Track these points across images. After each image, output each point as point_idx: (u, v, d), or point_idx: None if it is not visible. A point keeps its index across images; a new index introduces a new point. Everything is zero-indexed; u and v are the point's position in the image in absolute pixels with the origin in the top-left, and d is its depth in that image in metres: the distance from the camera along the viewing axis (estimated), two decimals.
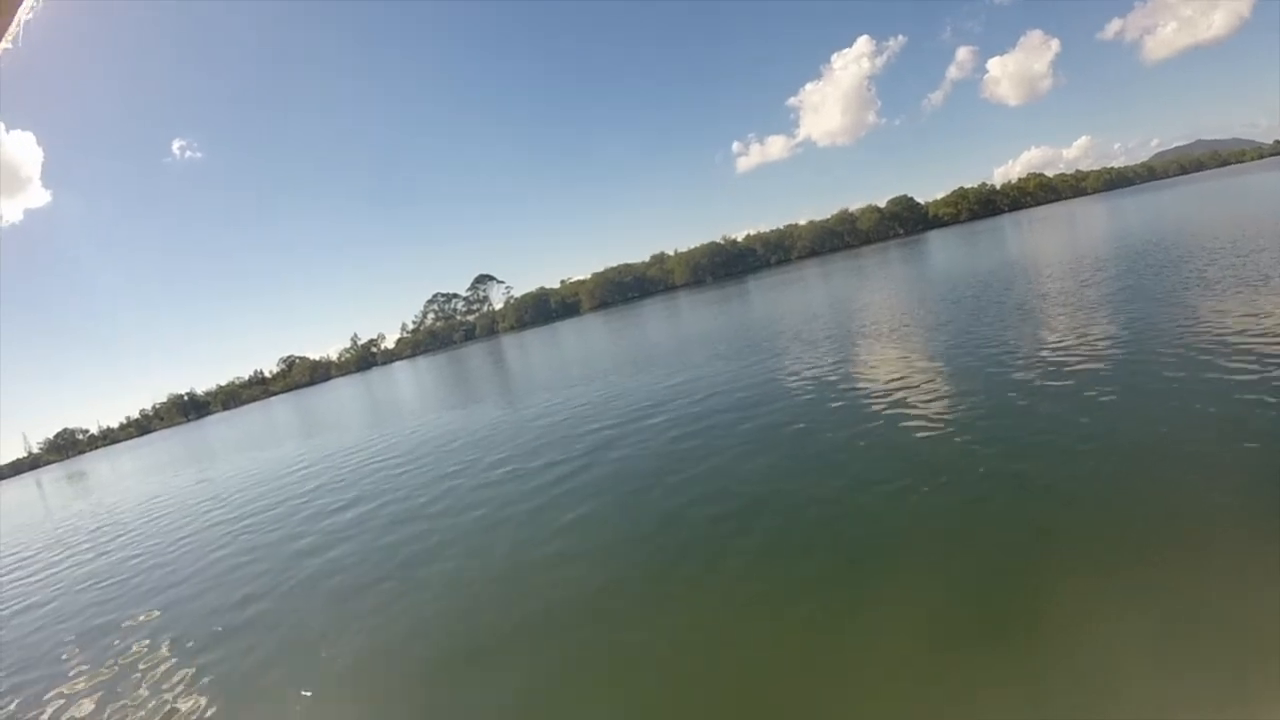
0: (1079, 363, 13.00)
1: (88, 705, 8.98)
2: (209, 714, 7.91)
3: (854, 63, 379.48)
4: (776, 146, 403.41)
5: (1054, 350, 14.43)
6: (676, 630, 7.24)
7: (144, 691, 8.92)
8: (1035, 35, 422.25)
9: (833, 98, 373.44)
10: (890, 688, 5.56)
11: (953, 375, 14.40)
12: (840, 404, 14.19)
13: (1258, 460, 7.61)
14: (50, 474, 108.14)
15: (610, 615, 7.95)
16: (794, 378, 17.99)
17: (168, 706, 8.31)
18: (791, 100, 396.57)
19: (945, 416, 11.69)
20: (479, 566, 10.47)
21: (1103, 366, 12.40)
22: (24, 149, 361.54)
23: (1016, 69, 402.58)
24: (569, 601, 8.49)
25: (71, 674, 10.27)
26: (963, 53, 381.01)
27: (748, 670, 6.27)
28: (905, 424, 11.83)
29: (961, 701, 5.18)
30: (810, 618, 6.81)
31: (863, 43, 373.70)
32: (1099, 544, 6.76)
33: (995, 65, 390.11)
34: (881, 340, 20.70)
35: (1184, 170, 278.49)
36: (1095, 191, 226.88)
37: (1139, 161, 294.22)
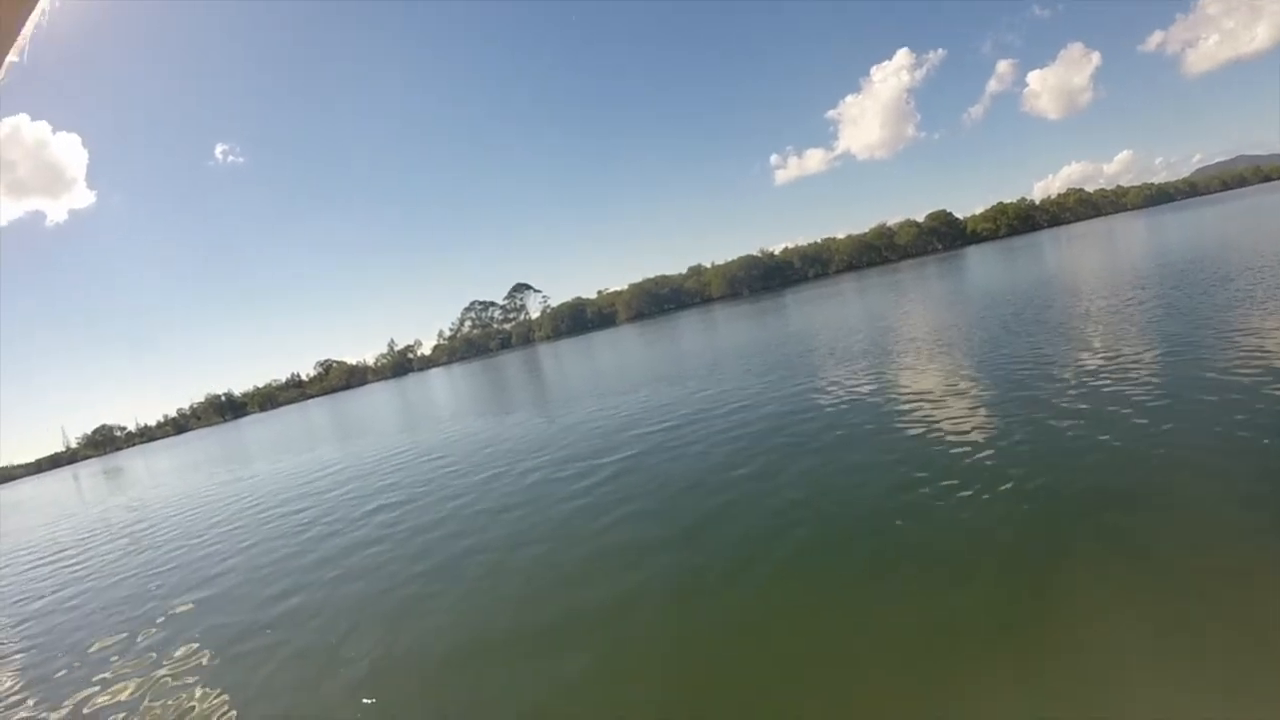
0: (1111, 382, 12.75)
1: (119, 694, 8.96)
2: (236, 708, 7.86)
3: (893, 75, 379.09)
4: (815, 159, 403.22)
5: (1086, 369, 14.17)
6: (688, 631, 7.32)
7: (171, 683, 8.96)
8: (1076, 48, 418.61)
9: (871, 111, 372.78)
10: (901, 685, 5.56)
11: (984, 393, 14.18)
12: (870, 419, 14.01)
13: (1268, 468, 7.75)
14: (88, 468, 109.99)
15: (632, 614, 8.01)
16: (826, 392, 17.77)
17: (195, 698, 8.30)
18: (830, 113, 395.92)
19: (973, 432, 11.55)
20: (510, 567, 10.47)
21: (1135, 385, 12.15)
22: (70, 150, 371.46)
23: (1057, 82, 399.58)
24: (598, 599, 8.55)
25: (103, 661, 10.35)
26: (1003, 66, 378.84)
27: (755, 666, 6.33)
28: (931, 438, 11.77)
29: (965, 701, 5.20)
30: (825, 617, 6.94)
31: (902, 55, 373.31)
32: (1111, 552, 6.76)
33: (1035, 78, 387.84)
34: (916, 357, 20.36)
35: (1226, 186, 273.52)
36: (1136, 207, 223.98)
37: (1181, 177, 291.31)
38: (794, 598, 7.48)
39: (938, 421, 12.57)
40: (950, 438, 11.47)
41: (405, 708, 7.11)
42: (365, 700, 7.35)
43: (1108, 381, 12.73)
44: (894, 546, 8.07)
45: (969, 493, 8.90)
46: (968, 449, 10.68)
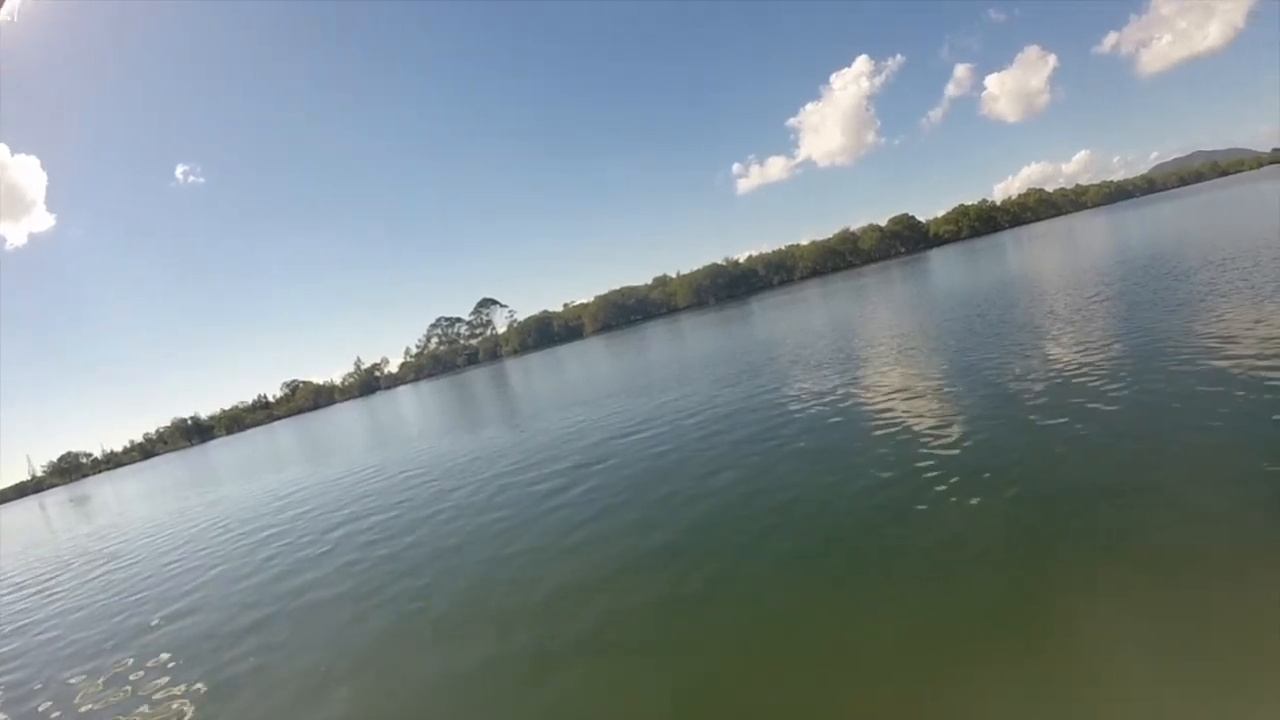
0: (1082, 376, 13.01)
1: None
2: None
3: (853, 82, 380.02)
4: (776, 167, 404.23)
5: (1057, 365, 14.48)
6: (673, 643, 7.34)
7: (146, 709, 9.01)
8: (1032, 51, 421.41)
9: (832, 118, 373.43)
10: (891, 689, 5.66)
11: (955, 392, 14.45)
12: (842, 422, 14.25)
13: (1256, 465, 7.72)
14: (54, 496, 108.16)
15: (615, 627, 8.04)
16: (796, 398, 17.92)
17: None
18: (791, 121, 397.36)
19: (947, 431, 11.77)
20: (490, 581, 10.57)
21: (1106, 379, 12.42)
22: (28, 173, 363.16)
23: (1014, 85, 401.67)
24: (579, 613, 8.59)
25: (77, 692, 10.35)
26: (961, 70, 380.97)
27: (749, 670, 6.45)
28: (906, 438, 11.95)
29: (962, 701, 5.28)
30: (811, 622, 7.00)
31: (861, 62, 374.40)
32: (1098, 548, 6.86)
33: (993, 82, 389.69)
34: (884, 359, 20.63)
35: (1184, 181, 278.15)
36: (1095, 205, 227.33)
37: (1139, 174, 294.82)
38: (777, 605, 7.50)
39: (911, 423, 12.74)
40: (925, 439, 11.58)
41: None
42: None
43: (1079, 378, 12.90)
44: (876, 550, 8.15)
45: (949, 494, 9.04)
46: (943, 450, 10.81)
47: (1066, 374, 13.49)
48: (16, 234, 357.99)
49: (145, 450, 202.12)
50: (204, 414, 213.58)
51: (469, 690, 7.54)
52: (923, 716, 5.31)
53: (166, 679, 9.95)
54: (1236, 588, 5.73)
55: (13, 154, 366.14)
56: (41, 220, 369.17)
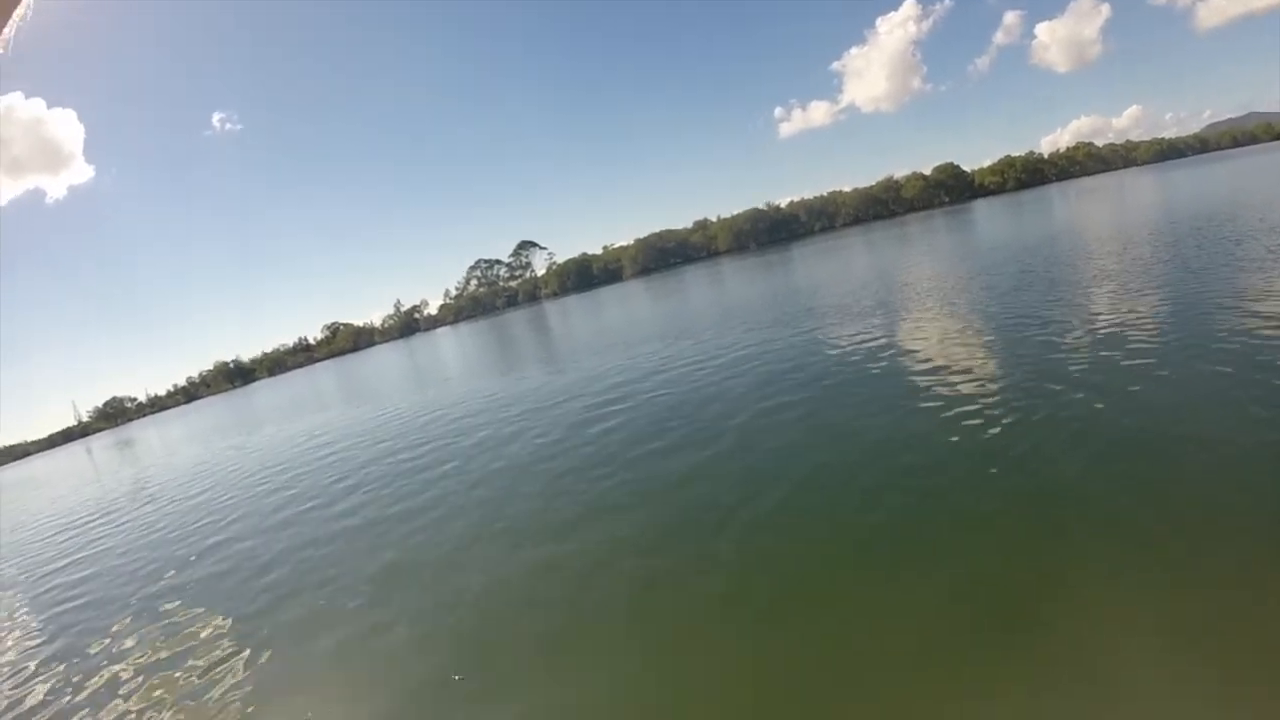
0: (1122, 348, 12.21)
1: (140, 659, 9.20)
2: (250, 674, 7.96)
3: (899, 26, 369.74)
4: (819, 112, 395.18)
5: (1098, 333, 13.59)
6: (665, 617, 7.25)
7: (186, 648, 9.15)
8: (1085, 0, 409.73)
9: (877, 63, 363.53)
10: (892, 683, 5.41)
11: (987, 359, 13.72)
12: (868, 384, 13.76)
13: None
14: (99, 441, 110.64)
15: (610, 587, 8.10)
16: (827, 351, 17.64)
17: (214, 674, 8.24)
18: (835, 65, 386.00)
19: (972, 404, 11.07)
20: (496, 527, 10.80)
21: (1145, 354, 11.63)
22: (66, 126, 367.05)
23: (1065, 34, 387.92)
24: (582, 562, 8.84)
25: (120, 633, 10.47)
26: (1010, 17, 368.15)
27: (748, 663, 6.14)
28: (929, 410, 11.33)
29: (963, 698, 5.06)
30: (812, 608, 6.74)
31: (909, 6, 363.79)
32: (1109, 541, 6.53)
33: (1043, 30, 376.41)
34: (920, 316, 19.95)
35: (1237, 142, 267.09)
36: (1146, 163, 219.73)
37: (1191, 133, 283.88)
38: (783, 593, 7.11)
39: (941, 390, 12.15)
40: (954, 409, 10.99)
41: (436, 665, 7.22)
42: (384, 666, 7.40)
43: (1118, 349, 12.18)
44: (887, 530, 7.84)
45: (970, 473, 8.67)
46: (971, 423, 10.26)
47: (1107, 344, 12.71)
48: (56, 186, 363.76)
49: (189, 394, 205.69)
50: (246, 357, 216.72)
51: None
52: (927, 710, 5.07)
53: (205, 616, 9.84)
54: (1249, 591, 5.43)
55: (49, 108, 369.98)
56: (80, 172, 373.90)
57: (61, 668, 9.78)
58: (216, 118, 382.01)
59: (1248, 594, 5.35)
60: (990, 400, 11.00)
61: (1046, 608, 5.75)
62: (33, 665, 10.21)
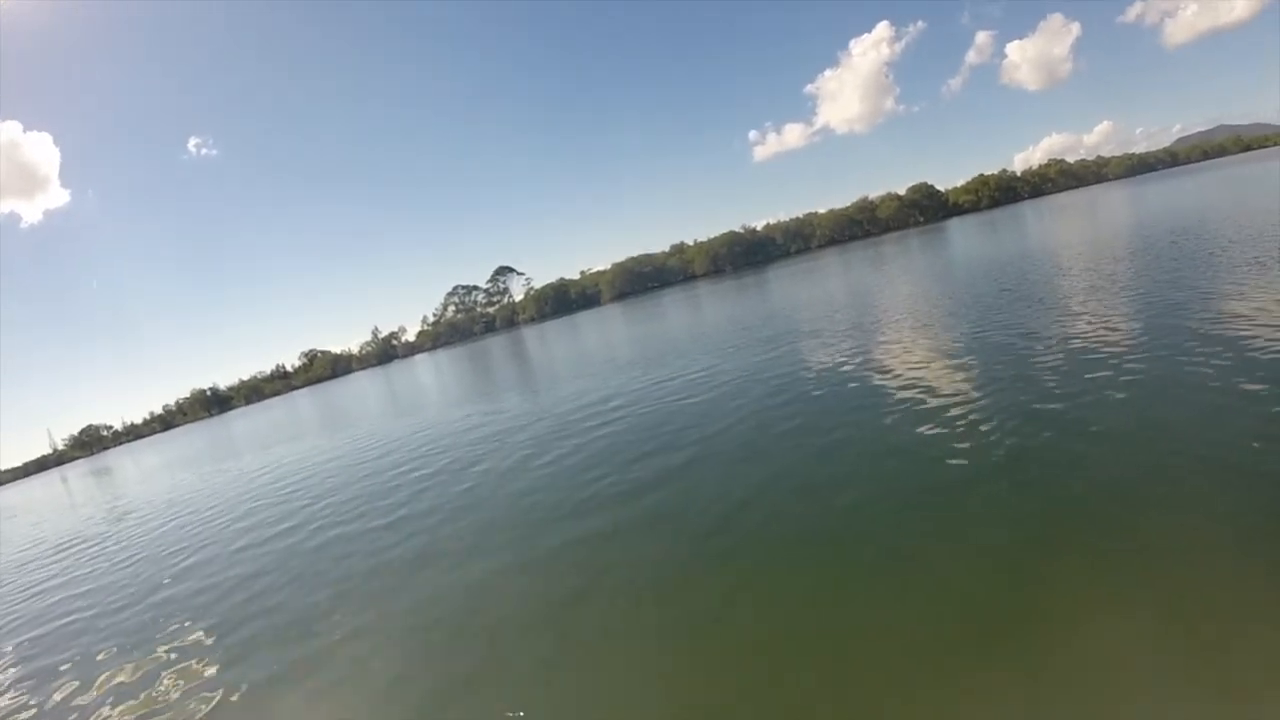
0: (1097, 359, 12.46)
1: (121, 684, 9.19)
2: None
3: (873, 49, 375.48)
4: (794, 135, 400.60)
5: (1072, 346, 13.85)
6: (657, 621, 7.39)
7: (173, 678, 9.03)
8: (1055, 19, 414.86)
9: (851, 85, 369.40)
10: (887, 686, 5.50)
11: (966, 372, 13.88)
12: (847, 400, 13.91)
13: (1263, 459, 7.43)
14: (75, 470, 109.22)
15: (594, 605, 8.13)
16: (806, 370, 17.78)
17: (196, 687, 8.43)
18: (809, 88, 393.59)
19: (955, 415, 11.30)
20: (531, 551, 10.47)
21: (1121, 363, 11.92)
22: (41, 150, 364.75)
23: (1036, 53, 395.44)
24: (561, 588, 8.73)
25: (104, 662, 10.32)
26: (982, 37, 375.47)
27: (743, 666, 6.23)
28: (913, 424, 11.44)
29: (960, 701, 5.14)
30: (804, 615, 6.80)
31: (882, 28, 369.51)
32: (1100, 545, 6.61)
33: (1014, 50, 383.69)
34: (896, 333, 20.17)
35: (1207, 155, 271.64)
36: (1117, 177, 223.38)
37: (1161, 147, 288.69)
38: (779, 597, 7.22)
39: (920, 404, 12.28)
40: (936, 422, 11.14)
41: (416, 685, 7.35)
42: (371, 689, 7.52)
43: (1096, 360, 12.39)
44: (876, 540, 7.88)
45: (956, 483, 8.74)
46: (953, 435, 10.40)
47: (1085, 355, 12.98)
48: (31, 211, 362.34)
49: (165, 421, 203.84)
50: (223, 384, 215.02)
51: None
52: (923, 713, 5.16)
53: (190, 643, 9.92)
54: (1244, 590, 5.55)
55: (25, 131, 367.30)
56: (56, 197, 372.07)
57: (38, 690, 9.88)
58: (193, 142, 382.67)
59: (1241, 600, 5.43)
60: (972, 413, 11.17)
61: (1037, 619, 5.80)
62: (5, 685, 10.37)
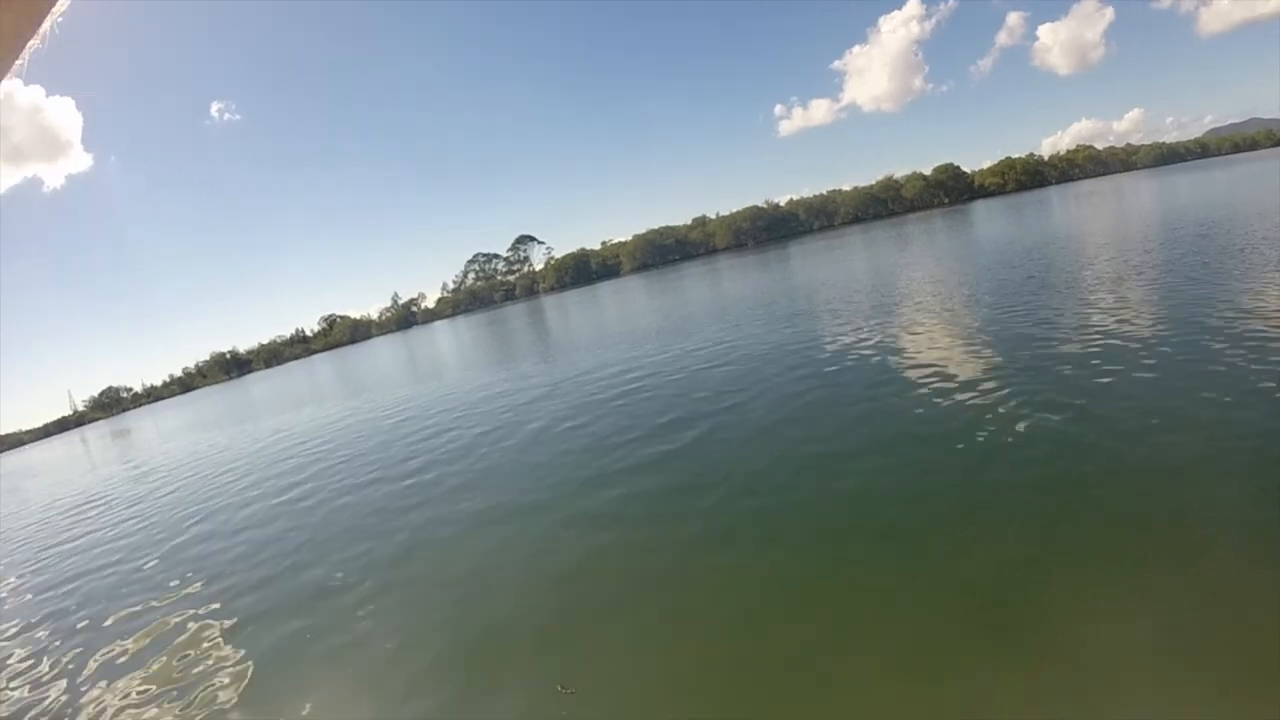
0: (1116, 352, 12.15)
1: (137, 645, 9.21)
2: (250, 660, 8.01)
3: (902, 26, 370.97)
4: (820, 110, 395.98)
5: (1091, 336, 13.53)
6: (651, 621, 7.09)
7: (188, 639, 9.08)
8: (1089, 3, 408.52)
9: (879, 62, 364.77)
10: (886, 685, 5.34)
11: (983, 358, 13.60)
12: (866, 380, 13.79)
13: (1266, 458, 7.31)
14: (95, 431, 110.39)
15: (595, 588, 8.05)
16: (823, 349, 17.67)
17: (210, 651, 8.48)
18: (836, 63, 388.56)
19: (968, 400, 11.16)
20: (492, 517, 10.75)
21: (1138, 357, 11.62)
22: (64, 115, 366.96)
23: (1068, 37, 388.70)
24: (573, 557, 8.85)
25: (121, 620, 10.39)
26: (1013, 18, 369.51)
27: (738, 662, 6.05)
28: (924, 405, 11.39)
29: (959, 700, 5.01)
30: (804, 610, 6.63)
31: (912, 5, 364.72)
32: (1103, 541, 6.50)
33: (1046, 32, 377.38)
34: (916, 315, 19.92)
35: (1238, 148, 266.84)
36: (1146, 167, 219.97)
37: (1192, 138, 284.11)
38: (770, 596, 7.01)
39: (935, 389, 12.12)
40: (948, 409, 11.00)
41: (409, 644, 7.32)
42: (382, 659, 7.38)
43: (1113, 351, 12.17)
44: (880, 530, 7.80)
45: (967, 470, 8.64)
46: (968, 423, 10.19)
47: (1104, 346, 12.66)
48: (54, 175, 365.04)
49: (184, 384, 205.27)
50: (242, 348, 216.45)
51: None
52: (922, 712, 5.03)
53: (205, 608, 9.80)
54: (1247, 594, 5.39)
55: (48, 95, 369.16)
56: (78, 161, 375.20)
57: (48, 656, 9.80)
58: (215, 107, 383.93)
59: (1242, 596, 5.34)
60: (986, 398, 10.97)
61: (1040, 612, 5.69)
62: (21, 652, 10.23)
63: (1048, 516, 7.17)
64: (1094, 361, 11.83)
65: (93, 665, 9.04)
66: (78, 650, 9.68)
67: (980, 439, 9.45)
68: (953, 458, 9.04)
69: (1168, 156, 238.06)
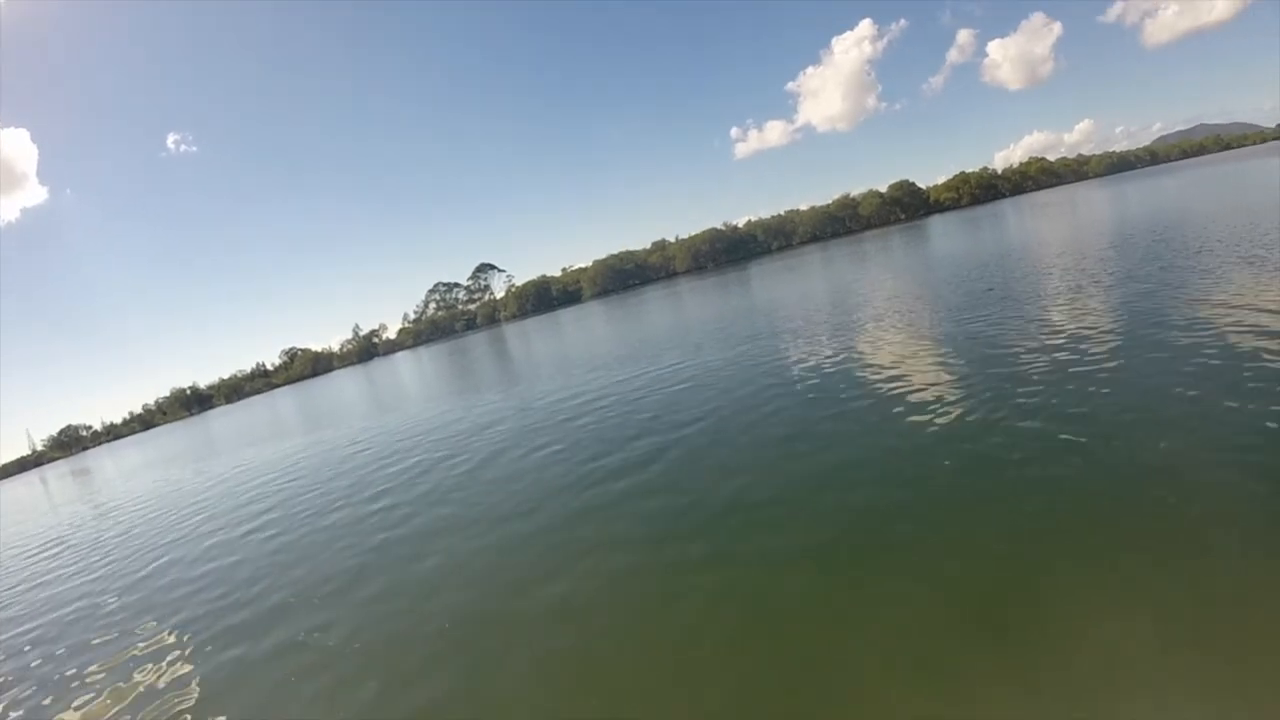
0: (1083, 355, 12.50)
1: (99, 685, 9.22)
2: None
3: (855, 46, 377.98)
4: (775, 132, 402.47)
5: (1057, 341, 13.88)
6: (635, 633, 7.24)
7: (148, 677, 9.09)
8: (1037, 18, 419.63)
9: (833, 82, 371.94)
10: (886, 685, 5.47)
11: (953, 367, 13.89)
12: (835, 395, 13.91)
13: (1260, 456, 7.41)
14: (55, 470, 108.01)
15: (577, 605, 8.07)
16: (788, 366, 17.87)
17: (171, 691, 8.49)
18: (790, 85, 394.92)
19: (944, 410, 11.33)
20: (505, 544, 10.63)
21: (1108, 359, 11.94)
22: (18, 146, 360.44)
23: (1017, 52, 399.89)
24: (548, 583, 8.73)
25: (82, 664, 10.34)
26: (963, 35, 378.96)
27: (736, 664, 6.19)
28: (903, 418, 11.50)
29: (958, 699, 5.14)
30: (800, 613, 6.75)
31: (864, 26, 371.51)
32: (1099, 541, 6.62)
33: (996, 48, 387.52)
34: (879, 330, 20.24)
35: (1186, 154, 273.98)
36: (1097, 175, 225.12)
37: (1141, 146, 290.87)
38: (760, 605, 7.07)
39: (908, 400, 12.31)
40: (923, 417, 11.18)
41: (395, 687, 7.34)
42: (346, 689, 7.53)
43: (1083, 354, 12.48)
44: (868, 537, 7.87)
45: (949, 477, 8.77)
46: (934, 426, 10.58)
47: (1071, 351, 13.00)
48: (9, 208, 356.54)
49: (145, 421, 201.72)
50: (203, 383, 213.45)
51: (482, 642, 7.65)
52: (921, 711, 5.17)
53: (166, 644, 10.05)
54: (1243, 582, 5.60)
55: (2, 128, 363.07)
56: (34, 194, 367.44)
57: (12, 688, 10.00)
58: (172, 139, 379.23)
59: (1237, 594, 5.46)
60: (959, 407, 11.23)
61: (1030, 613, 5.82)
62: None
63: (1031, 517, 7.30)
64: (1064, 366, 12.08)
65: (48, 700, 9.24)
66: (32, 689, 9.86)
67: (961, 447, 9.60)
68: (933, 466, 9.16)
69: (1119, 165, 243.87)
